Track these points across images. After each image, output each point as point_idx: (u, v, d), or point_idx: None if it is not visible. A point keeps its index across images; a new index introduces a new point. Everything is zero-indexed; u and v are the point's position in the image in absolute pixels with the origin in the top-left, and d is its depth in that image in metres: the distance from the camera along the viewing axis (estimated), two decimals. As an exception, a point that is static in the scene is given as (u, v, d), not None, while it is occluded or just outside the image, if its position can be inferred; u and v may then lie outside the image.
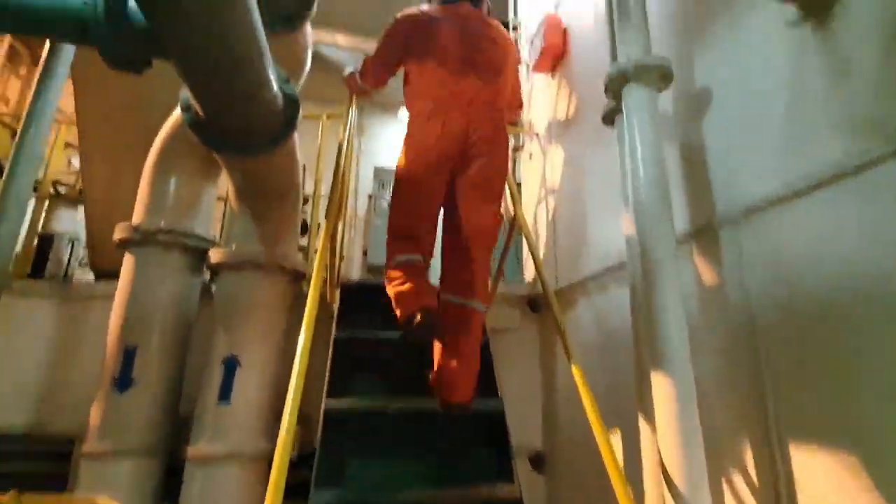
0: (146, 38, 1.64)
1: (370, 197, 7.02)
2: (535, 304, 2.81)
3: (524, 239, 3.20)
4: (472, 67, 2.01)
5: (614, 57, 1.75)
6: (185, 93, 1.92)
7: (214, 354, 2.34)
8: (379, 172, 6.75)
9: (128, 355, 2.40)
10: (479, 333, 1.96)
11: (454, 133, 1.93)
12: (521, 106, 2.41)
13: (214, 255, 2.46)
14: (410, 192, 1.97)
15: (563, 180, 2.68)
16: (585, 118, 2.47)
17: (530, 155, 3.20)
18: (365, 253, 6.83)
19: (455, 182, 1.97)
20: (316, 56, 7.15)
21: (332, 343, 2.10)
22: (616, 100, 1.63)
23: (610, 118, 1.78)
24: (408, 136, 2.04)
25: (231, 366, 2.31)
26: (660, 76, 1.53)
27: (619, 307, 1.99)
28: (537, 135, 3.11)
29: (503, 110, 2.08)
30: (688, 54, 1.67)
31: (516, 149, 3.34)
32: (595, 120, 2.36)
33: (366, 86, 2.26)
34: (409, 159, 1.98)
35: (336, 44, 6.05)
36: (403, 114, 6.75)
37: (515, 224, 2.18)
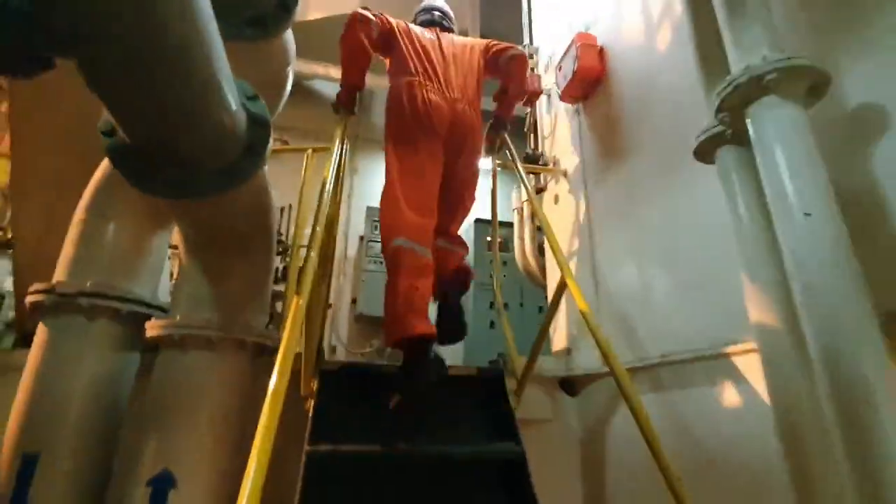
0: (30, 25, 1.10)
1: (361, 238, 6.47)
2: (571, 385, 2.21)
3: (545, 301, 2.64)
4: (452, 66, 2.16)
5: (709, 71, 1.25)
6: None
7: (140, 469, 1.69)
8: (372, 212, 6.23)
9: (26, 465, 1.74)
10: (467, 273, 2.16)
11: (443, 115, 2.02)
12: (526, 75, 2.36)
13: (151, 328, 1.85)
14: (412, 152, 2.00)
15: (608, 232, 2.14)
16: (642, 154, 1.96)
17: (556, 198, 2.68)
18: (354, 301, 6.21)
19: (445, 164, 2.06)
20: (309, 91, 6.79)
21: (302, 461, 1.48)
22: (734, 122, 1.11)
23: (709, 150, 1.25)
24: (395, 96, 2.08)
25: (162, 486, 1.65)
26: (810, 86, 1.02)
27: (717, 412, 1.40)
28: (564, 174, 2.60)
29: (478, 103, 2.19)
30: (828, 60, 1.16)
31: (539, 190, 2.82)
32: (656, 156, 1.85)
33: (369, 29, 2.15)
34: (406, 118, 2.02)
35: (329, 76, 5.66)
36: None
37: (560, 289, 1.61)
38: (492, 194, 2.70)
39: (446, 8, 2.51)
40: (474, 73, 2.22)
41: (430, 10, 2.47)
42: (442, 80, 2.09)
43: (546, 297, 5.77)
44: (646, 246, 1.84)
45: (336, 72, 5.87)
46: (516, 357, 1.98)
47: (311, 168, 2.79)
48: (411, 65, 2.10)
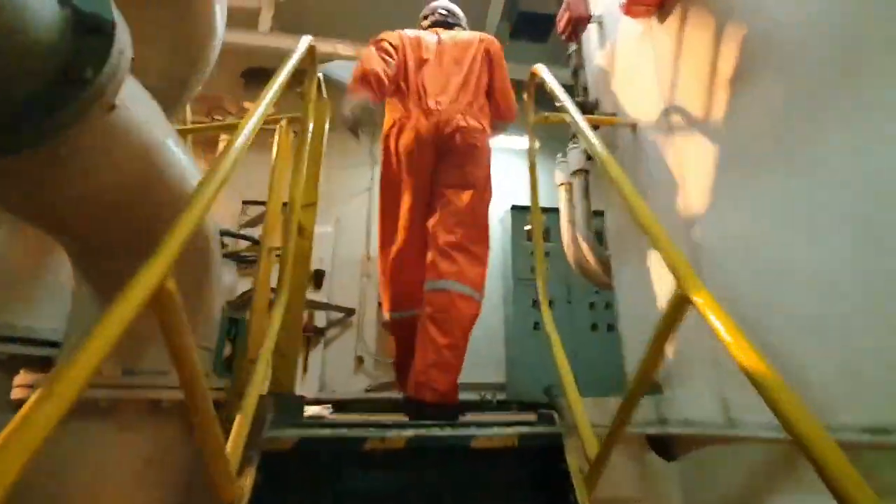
0: None
1: (386, 236, 5.83)
2: (667, 445, 1.44)
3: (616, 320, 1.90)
4: (451, 70, 2.13)
5: None
6: None
7: None
8: (395, 206, 5.54)
9: None
10: (463, 323, 1.82)
11: (425, 134, 1.99)
12: (509, 109, 2.29)
13: (18, 386, 1.22)
14: (393, 198, 2.06)
15: (723, 201, 1.35)
16: (789, 69, 1.16)
17: (620, 161, 1.89)
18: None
19: (435, 179, 2.03)
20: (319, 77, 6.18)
21: None
22: None
23: None
24: (384, 150, 2.12)
25: None
26: None
27: None
28: (633, 127, 1.81)
29: (477, 105, 2.10)
30: None
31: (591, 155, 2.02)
32: (824, 67, 1.06)
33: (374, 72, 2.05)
34: (387, 169, 2.11)
35: (336, 53, 5.02)
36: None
37: (678, 308, 0.84)
38: (530, 165, 1.95)
39: (452, 6, 2.51)
40: (475, 75, 2.16)
41: (435, 11, 2.48)
42: (435, 92, 2.07)
43: (598, 293, 4.89)
44: (819, 214, 1.04)
45: (344, 47, 5.24)
46: (577, 403, 1.24)
47: (288, 147, 2.12)
48: (404, 86, 2.11)
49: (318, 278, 5.49)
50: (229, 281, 2.24)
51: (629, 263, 1.86)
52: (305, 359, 5.09)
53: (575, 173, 2.24)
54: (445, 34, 2.30)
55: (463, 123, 1.99)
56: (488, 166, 2.08)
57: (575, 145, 2.25)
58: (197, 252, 1.33)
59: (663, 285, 1.63)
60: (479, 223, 1.98)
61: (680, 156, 1.53)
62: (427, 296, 1.83)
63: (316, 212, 1.78)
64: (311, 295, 5.41)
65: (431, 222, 1.96)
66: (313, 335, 5.20)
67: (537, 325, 4.97)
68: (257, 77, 5.43)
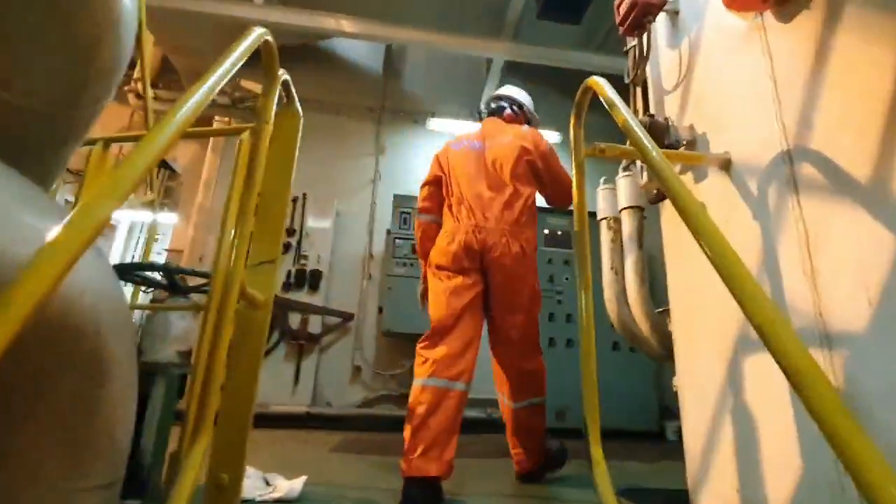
0: None
1: (388, 233, 5.33)
2: None
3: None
4: (483, 184, 2.17)
5: None
6: None
7: None
8: (399, 201, 5.10)
9: None
10: (525, 425, 2.07)
11: (470, 247, 2.04)
12: (564, 197, 2.26)
13: None
14: (439, 297, 2.05)
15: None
16: None
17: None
18: (381, 310, 5.13)
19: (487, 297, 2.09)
20: (325, 54, 5.64)
21: None
22: None
23: None
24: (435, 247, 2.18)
25: None
26: None
27: None
28: (725, 165, 1.29)
29: (519, 222, 2.12)
30: None
31: (657, 198, 1.49)
32: None
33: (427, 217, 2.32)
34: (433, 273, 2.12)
35: (342, 30, 4.44)
36: (434, 123, 5.15)
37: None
38: (577, 228, 1.45)
39: (514, 94, 2.51)
40: (518, 193, 2.15)
41: (497, 98, 2.52)
42: (482, 208, 2.10)
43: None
44: None
45: (350, 24, 4.65)
46: None
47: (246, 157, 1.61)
48: (453, 201, 2.19)
49: (314, 279, 5.04)
50: (182, 327, 1.79)
51: (703, 342, 1.37)
52: (297, 368, 4.69)
53: (627, 209, 1.73)
54: (490, 136, 2.30)
55: (506, 251, 2.02)
56: (534, 278, 2.10)
57: (628, 173, 1.73)
58: (58, 360, 0.85)
59: (762, 385, 1.14)
60: (531, 338, 2.11)
61: (813, 226, 1.02)
62: (506, 410, 2.16)
63: (276, 271, 1.29)
64: (307, 298, 4.98)
65: (490, 343, 2.14)
66: (307, 342, 4.78)
67: (552, 342, 4.52)
68: (253, 55, 4.92)
